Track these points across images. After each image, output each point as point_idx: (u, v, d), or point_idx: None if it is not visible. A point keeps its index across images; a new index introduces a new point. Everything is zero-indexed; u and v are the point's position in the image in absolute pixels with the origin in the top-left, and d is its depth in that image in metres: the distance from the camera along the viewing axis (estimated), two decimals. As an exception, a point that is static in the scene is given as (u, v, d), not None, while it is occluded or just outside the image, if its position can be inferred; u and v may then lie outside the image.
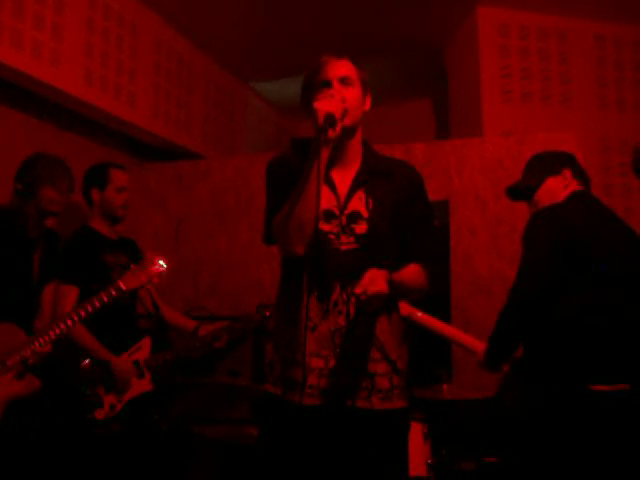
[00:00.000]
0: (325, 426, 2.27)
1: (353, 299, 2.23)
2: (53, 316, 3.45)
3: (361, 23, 5.31)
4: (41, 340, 2.99)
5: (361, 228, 2.32)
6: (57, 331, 3.09)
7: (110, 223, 3.88)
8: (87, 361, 3.56)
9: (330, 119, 2.14)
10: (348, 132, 2.32)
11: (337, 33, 5.27)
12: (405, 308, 3.00)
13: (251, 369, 4.48)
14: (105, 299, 3.19)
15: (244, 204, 5.06)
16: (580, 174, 3.08)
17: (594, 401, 2.65)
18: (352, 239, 2.31)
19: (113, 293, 3.21)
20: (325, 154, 2.16)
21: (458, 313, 4.55)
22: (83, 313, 3.19)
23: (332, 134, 2.15)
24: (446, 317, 4.42)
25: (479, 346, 3.11)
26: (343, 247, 2.31)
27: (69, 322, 3.20)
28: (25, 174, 3.11)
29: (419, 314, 3.27)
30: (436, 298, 4.27)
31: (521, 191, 3.17)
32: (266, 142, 7.00)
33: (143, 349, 3.73)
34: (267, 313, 3.87)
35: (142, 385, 3.68)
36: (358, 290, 2.12)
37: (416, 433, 3.41)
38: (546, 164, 3.11)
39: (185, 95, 5.49)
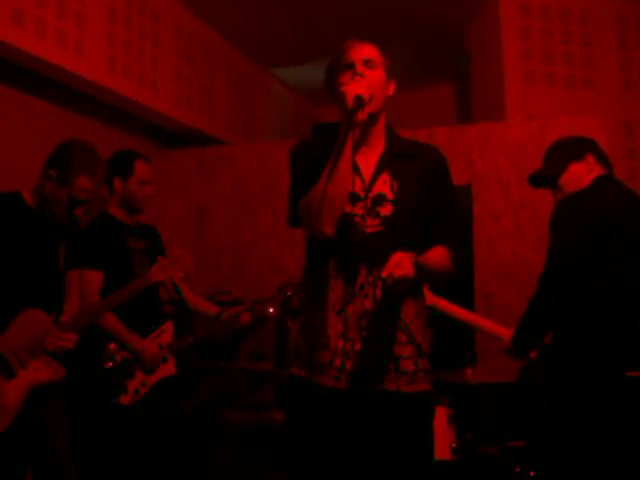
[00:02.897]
0: (351, 408, 2.27)
1: (379, 282, 2.24)
2: (80, 302, 3.48)
3: (382, 7, 5.29)
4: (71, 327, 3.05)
5: (386, 210, 2.33)
6: (87, 320, 3.17)
7: (129, 213, 3.89)
8: (112, 346, 3.59)
9: (359, 100, 2.16)
10: (373, 118, 2.33)
11: (357, 17, 5.25)
12: (429, 297, 3.00)
13: (275, 353, 4.50)
14: (132, 290, 3.30)
15: (267, 190, 5.08)
16: (603, 158, 3.06)
17: (627, 387, 2.64)
18: (377, 221, 2.32)
19: (141, 285, 3.33)
20: (354, 136, 2.18)
21: (482, 298, 4.55)
22: (114, 303, 3.28)
23: (361, 116, 2.18)
24: (470, 302, 4.42)
25: (505, 333, 3.10)
26: (368, 229, 2.32)
27: (99, 311, 3.27)
28: (61, 160, 3.10)
29: (443, 303, 3.27)
30: (460, 283, 4.28)
31: (544, 178, 3.15)
32: (287, 128, 7.01)
33: (166, 333, 3.75)
34: (289, 292, 3.88)
35: (166, 369, 3.71)
36: (384, 274, 2.13)
37: (441, 417, 3.42)
38: (569, 150, 3.09)
39: (207, 82, 5.51)
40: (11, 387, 2.92)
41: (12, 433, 2.92)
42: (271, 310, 4.00)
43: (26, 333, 2.97)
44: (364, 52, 2.34)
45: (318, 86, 2.52)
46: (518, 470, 3.38)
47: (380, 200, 2.33)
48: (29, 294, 3.05)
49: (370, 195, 2.34)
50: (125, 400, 3.54)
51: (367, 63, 2.33)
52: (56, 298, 3.21)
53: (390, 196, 2.34)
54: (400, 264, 2.14)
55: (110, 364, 3.56)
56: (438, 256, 2.36)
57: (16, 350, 2.94)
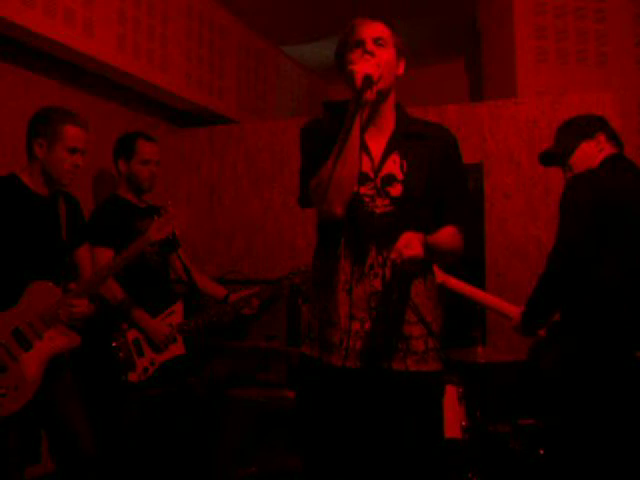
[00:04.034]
0: (361, 387, 2.29)
1: (389, 262, 2.25)
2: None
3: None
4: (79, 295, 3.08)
5: (396, 190, 2.32)
6: (94, 285, 3.18)
7: (137, 194, 3.92)
8: (124, 325, 3.63)
9: (368, 80, 2.16)
10: (382, 96, 2.33)
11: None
12: (439, 275, 3.01)
13: (286, 332, 4.52)
14: (134, 251, 3.25)
15: (278, 168, 5.07)
16: (613, 137, 3.04)
17: (636, 367, 2.64)
18: (387, 202, 2.32)
19: (142, 245, 3.27)
20: (362, 116, 2.18)
21: (493, 276, 4.54)
22: (118, 266, 3.24)
23: (370, 95, 2.18)
24: (481, 280, 4.42)
25: (514, 311, 3.11)
26: (378, 210, 2.32)
27: (105, 275, 3.24)
28: (41, 125, 3.14)
29: (452, 280, 3.27)
30: (471, 261, 4.28)
31: (555, 157, 3.14)
32: (298, 105, 6.99)
33: (176, 313, 3.79)
34: (297, 280, 3.89)
35: (175, 349, 3.75)
36: (394, 254, 2.14)
37: (451, 395, 3.43)
38: (579, 128, 3.07)
39: (217, 60, 5.48)
40: (29, 359, 2.97)
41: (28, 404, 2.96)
42: (280, 292, 4.02)
43: (38, 304, 3.02)
44: (374, 30, 2.33)
45: (330, 63, 2.51)
46: (528, 448, 3.39)
47: (390, 180, 2.33)
48: (34, 272, 3.09)
49: (380, 175, 2.34)
50: (133, 378, 3.58)
51: (377, 41, 2.32)
52: (61, 273, 3.24)
53: (400, 176, 2.33)
54: (409, 244, 2.15)
55: (120, 342, 3.60)
56: (448, 236, 2.36)
57: (30, 321, 2.98)
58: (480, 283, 4.22)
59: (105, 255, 3.62)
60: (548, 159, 3.19)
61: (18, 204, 3.11)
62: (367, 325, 2.29)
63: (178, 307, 3.81)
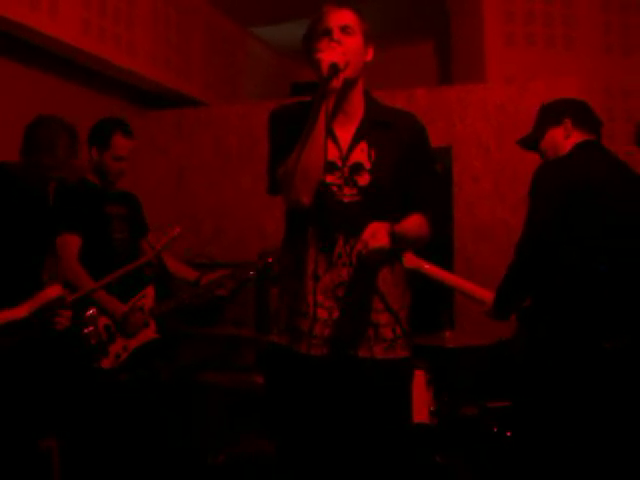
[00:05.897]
0: (329, 376, 2.30)
1: (355, 252, 2.25)
2: (59, 265, 3.49)
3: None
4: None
5: (364, 179, 2.32)
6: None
7: (103, 181, 3.87)
8: (92, 310, 3.59)
9: (334, 68, 2.15)
10: (350, 83, 2.31)
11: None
12: (411, 260, 3.01)
13: (255, 318, 4.51)
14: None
15: (247, 151, 5.05)
16: (585, 122, 3.03)
17: (603, 356, 2.68)
18: (355, 191, 2.31)
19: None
20: (328, 104, 2.17)
21: (461, 260, 4.57)
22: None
23: (336, 84, 2.17)
24: (449, 264, 4.44)
25: (486, 295, 3.11)
26: (346, 199, 2.31)
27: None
28: (28, 142, 3.17)
29: (426, 266, 3.26)
30: (439, 245, 4.29)
31: (528, 143, 3.16)
32: (267, 86, 6.95)
33: (147, 297, 3.77)
34: (269, 259, 3.88)
35: (147, 333, 3.73)
36: (359, 245, 2.14)
37: (419, 380, 3.45)
38: (547, 114, 3.08)
39: (185, 42, 5.43)
40: None
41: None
42: (251, 273, 4.00)
43: None
44: (341, 18, 2.32)
45: (298, 45, 2.50)
46: (495, 431, 3.42)
47: (357, 169, 2.32)
48: (19, 262, 3.11)
49: (347, 164, 2.33)
50: (106, 364, 3.56)
51: (344, 29, 2.30)
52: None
53: (368, 165, 2.33)
54: (375, 235, 2.14)
55: (91, 328, 3.57)
56: (415, 225, 2.35)
57: None
58: (448, 266, 4.24)
59: (73, 242, 3.59)
60: (525, 145, 3.21)
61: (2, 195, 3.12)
62: (335, 313, 2.30)
63: (149, 291, 3.79)
